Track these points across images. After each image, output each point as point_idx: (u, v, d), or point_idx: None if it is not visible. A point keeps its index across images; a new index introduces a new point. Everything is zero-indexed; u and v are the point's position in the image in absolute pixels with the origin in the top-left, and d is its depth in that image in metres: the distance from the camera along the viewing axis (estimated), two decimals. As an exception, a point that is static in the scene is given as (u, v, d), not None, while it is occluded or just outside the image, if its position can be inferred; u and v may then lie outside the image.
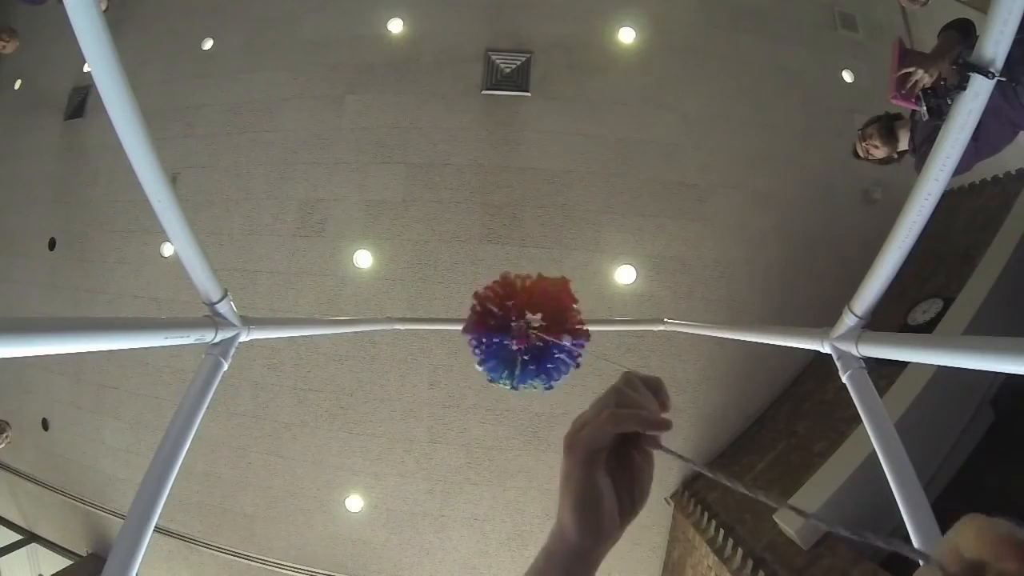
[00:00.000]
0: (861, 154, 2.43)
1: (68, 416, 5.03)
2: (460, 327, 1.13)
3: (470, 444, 4.08)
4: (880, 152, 2.32)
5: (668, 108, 4.31)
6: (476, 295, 1.12)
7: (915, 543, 0.99)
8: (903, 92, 1.83)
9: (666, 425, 0.44)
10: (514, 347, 1.07)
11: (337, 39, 4.62)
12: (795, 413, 3.85)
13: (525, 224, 4.13)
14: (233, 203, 4.52)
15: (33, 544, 5.58)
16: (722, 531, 3.20)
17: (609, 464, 0.45)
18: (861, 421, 1.15)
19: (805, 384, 4.05)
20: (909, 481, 1.05)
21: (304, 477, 4.25)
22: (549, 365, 1.11)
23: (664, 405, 0.46)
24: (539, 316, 1.09)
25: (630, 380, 0.46)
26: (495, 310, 1.08)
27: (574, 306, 1.11)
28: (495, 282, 1.12)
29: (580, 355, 1.12)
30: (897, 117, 2.31)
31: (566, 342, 1.08)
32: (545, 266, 4.05)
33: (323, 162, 4.39)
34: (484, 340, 1.11)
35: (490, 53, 4.38)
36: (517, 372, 1.12)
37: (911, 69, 1.79)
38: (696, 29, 4.51)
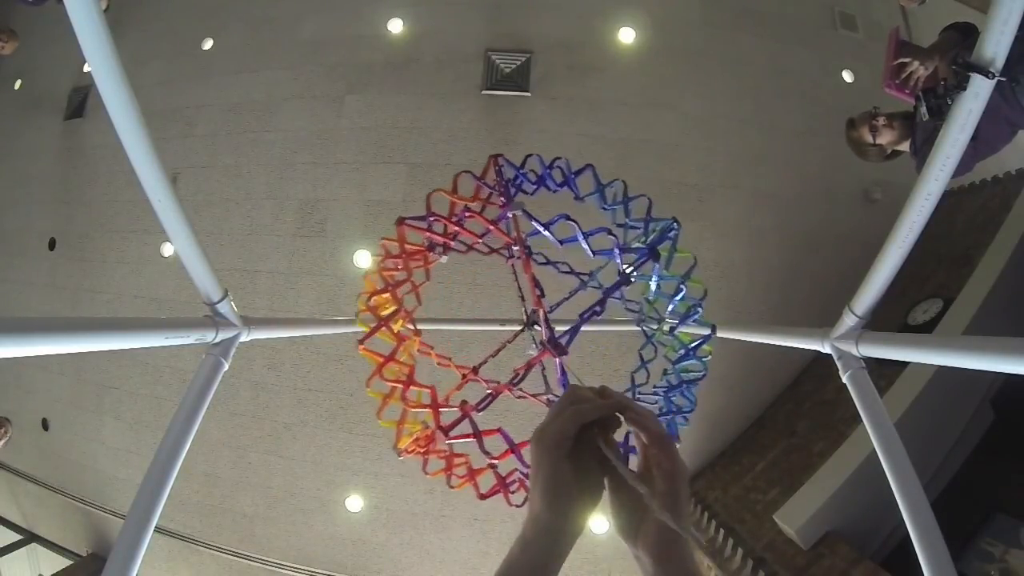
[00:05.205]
0: (863, 131, 2.21)
1: (68, 416, 5.03)
2: (461, 327, 0.99)
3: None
4: (887, 136, 2.16)
5: (668, 108, 4.31)
6: None
7: (916, 543, 1.00)
8: (896, 82, 1.83)
9: (613, 400, 0.52)
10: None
11: (337, 39, 4.61)
12: (795, 413, 3.85)
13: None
14: (233, 203, 4.52)
15: (33, 544, 5.58)
16: (722, 531, 3.20)
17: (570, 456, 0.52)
18: (861, 421, 1.15)
19: (805, 384, 4.05)
20: (909, 481, 1.05)
21: (304, 477, 4.25)
22: None
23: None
24: None
25: (577, 388, 0.55)
26: None
27: None
28: None
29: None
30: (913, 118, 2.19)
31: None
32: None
33: (323, 162, 4.39)
34: None
35: (490, 53, 4.37)
36: None
37: (907, 59, 1.79)
38: (696, 29, 4.51)
